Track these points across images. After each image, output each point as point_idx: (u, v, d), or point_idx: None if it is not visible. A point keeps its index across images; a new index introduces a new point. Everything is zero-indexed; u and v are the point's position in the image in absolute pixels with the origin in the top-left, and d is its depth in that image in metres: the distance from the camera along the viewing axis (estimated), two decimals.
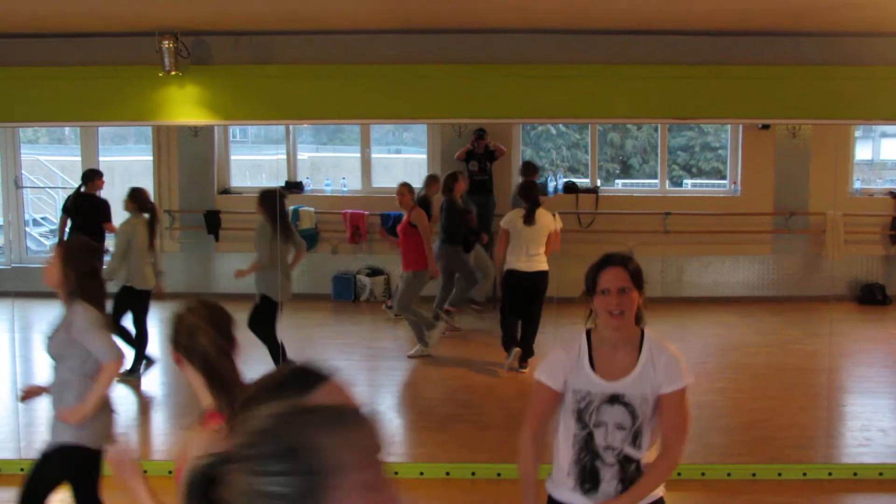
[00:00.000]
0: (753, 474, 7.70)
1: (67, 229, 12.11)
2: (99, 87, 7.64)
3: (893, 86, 7.54)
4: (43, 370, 11.10)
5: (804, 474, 7.71)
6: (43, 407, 9.50)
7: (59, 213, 12.22)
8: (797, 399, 9.89)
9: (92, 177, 12.09)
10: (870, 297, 13.27)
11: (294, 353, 10.56)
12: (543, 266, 10.43)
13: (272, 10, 6.80)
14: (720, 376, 10.68)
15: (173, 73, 7.44)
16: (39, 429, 8.96)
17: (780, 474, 7.70)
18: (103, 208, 11.92)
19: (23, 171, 15.05)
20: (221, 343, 3.36)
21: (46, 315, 12.85)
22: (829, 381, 10.44)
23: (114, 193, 15.28)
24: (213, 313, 3.46)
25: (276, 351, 9.58)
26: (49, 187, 16.47)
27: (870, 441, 8.58)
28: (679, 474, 7.65)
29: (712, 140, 16.98)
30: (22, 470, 7.77)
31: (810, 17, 6.79)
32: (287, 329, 11.27)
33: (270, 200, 9.84)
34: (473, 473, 7.72)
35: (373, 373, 10.90)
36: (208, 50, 7.63)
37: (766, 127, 13.94)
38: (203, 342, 3.34)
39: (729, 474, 7.70)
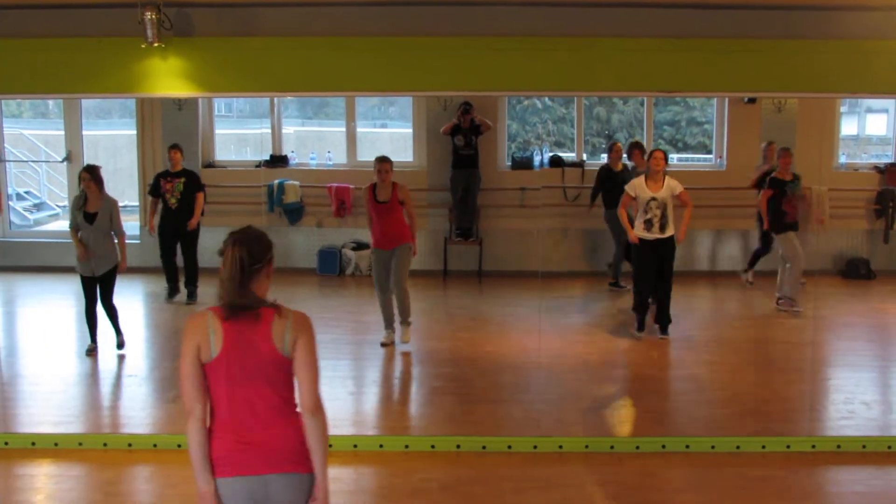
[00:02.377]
0: (738, 447, 7.73)
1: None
2: (81, 59, 7.57)
3: (879, 59, 7.53)
4: (27, 342, 11.14)
5: (788, 447, 7.74)
6: (28, 382, 9.55)
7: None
8: (781, 373, 9.93)
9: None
10: (854, 271, 13.32)
11: None
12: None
13: None
14: (705, 350, 10.74)
15: (156, 44, 7.37)
16: (24, 402, 8.99)
17: (763, 447, 7.74)
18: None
19: (6, 145, 14.98)
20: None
21: (31, 289, 12.93)
22: (814, 355, 10.51)
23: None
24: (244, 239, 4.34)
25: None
26: (32, 161, 16.42)
27: (853, 414, 8.62)
28: (664, 447, 7.72)
29: (698, 115, 17.01)
30: (7, 444, 7.82)
31: None
32: None
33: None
34: (458, 446, 7.74)
35: (359, 346, 10.90)
36: (191, 22, 7.56)
37: (752, 101, 13.97)
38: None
39: (713, 447, 7.73)
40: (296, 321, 4.28)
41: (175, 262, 12.30)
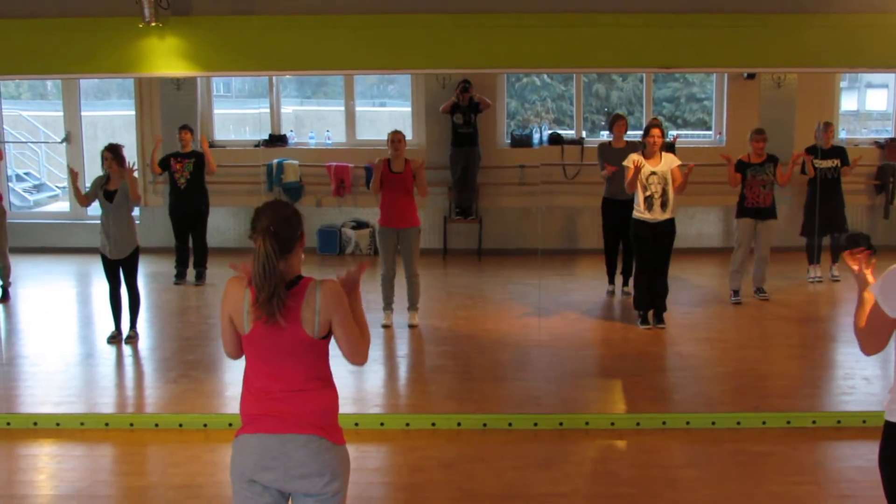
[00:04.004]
0: (738, 423, 7.74)
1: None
2: (79, 39, 7.57)
3: (879, 33, 7.51)
4: (27, 323, 11.15)
5: (788, 422, 7.76)
6: (29, 362, 9.56)
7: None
8: (781, 348, 9.95)
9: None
10: (854, 246, 13.26)
11: None
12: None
13: None
14: (705, 327, 10.75)
15: (153, 24, 7.38)
16: (25, 383, 9.00)
17: (764, 422, 7.75)
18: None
19: (5, 127, 14.94)
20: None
21: (31, 270, 12.91)
22: (814, 331, 10.53)
23: (96, 148, 15.23)
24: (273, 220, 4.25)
25: None
26: (32, 142, 16.38)
27: (853, 389, 8.63)
28: (664, 423, 7.73)
29: (697, 91, 16.95)
30: (9, 424, 7.84)
31: None
32: None
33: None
34: (459, 424, 7.75)
35: None
36: (188, 0, 7.56)
37: (751, 77, 13.92)
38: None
39: (713, 423, 7.74)
40: (324, 302, 4.27)
41: (188, 246, 12.33)
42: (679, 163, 10.33)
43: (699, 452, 7.32)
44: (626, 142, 11.56)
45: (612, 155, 11.32)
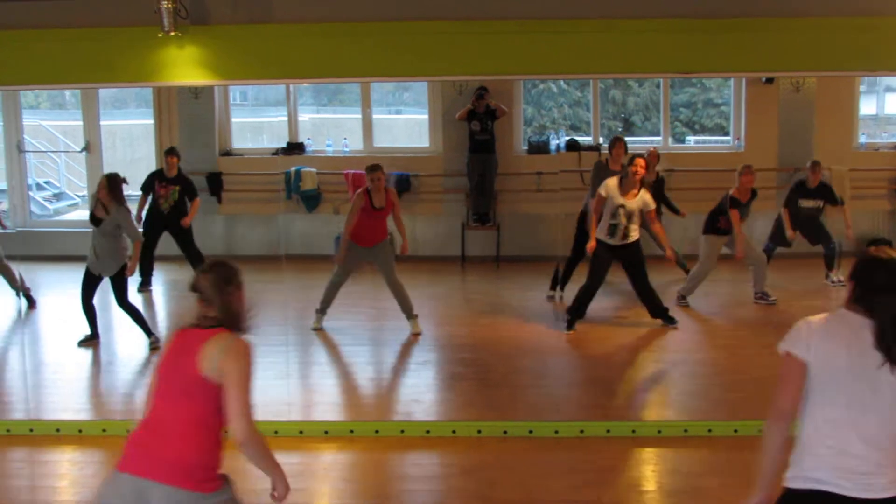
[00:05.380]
0: (760, 430, 7.66)
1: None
2: (98, 48, 7.58)
3: None
4: (48, 332, 11.18)
5: None
6: (51, 369, 9.58)
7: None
8: None
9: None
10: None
11: (298, 313, 10.59)
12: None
13: None
14: (725, 334, 10.69)
15: (172, 33, 7.38)
16: (46, 390, 9.03)
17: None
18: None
19: (25, 136, 15.04)
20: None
21: (51, 278, 12.96)
22: None
23: (115, 157, 15.34)
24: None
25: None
26: (51, 151, 16.48)
27: None
28: (686, 431, 7.69)
29: (715, 96, 16.93)
30: (31, 431, 7.85)
31: None
32: (291, 290, 11.30)
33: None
34: (479, 431, 7.72)
35: (377, 333, 10.91)
36: (207, 10, 7.56)
37: (769, 81, 13.88)
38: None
39: (736, 430, 7.69)
40: (228, 350, 4.28)
41: (153, 257, 12.33)
42: (652, 207, 10.22)
43: (722, 460, 7.26)
44: (623, 165, 11.45)
45: (606, 175, 11.19)
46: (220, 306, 4.39)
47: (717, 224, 11.28)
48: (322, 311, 10.51)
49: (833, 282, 11.87)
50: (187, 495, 4.23)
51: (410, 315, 10.36)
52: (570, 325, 10.39)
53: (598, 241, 10.27)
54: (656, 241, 10.65)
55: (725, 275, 12.44)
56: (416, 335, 10.30)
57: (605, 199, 10.13)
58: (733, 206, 11.13)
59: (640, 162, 10.07)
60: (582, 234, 11.38)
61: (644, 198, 10.13)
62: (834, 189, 11.86)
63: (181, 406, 4.29)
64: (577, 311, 10.43)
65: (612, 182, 10.18)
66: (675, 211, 12.26)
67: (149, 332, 10.07)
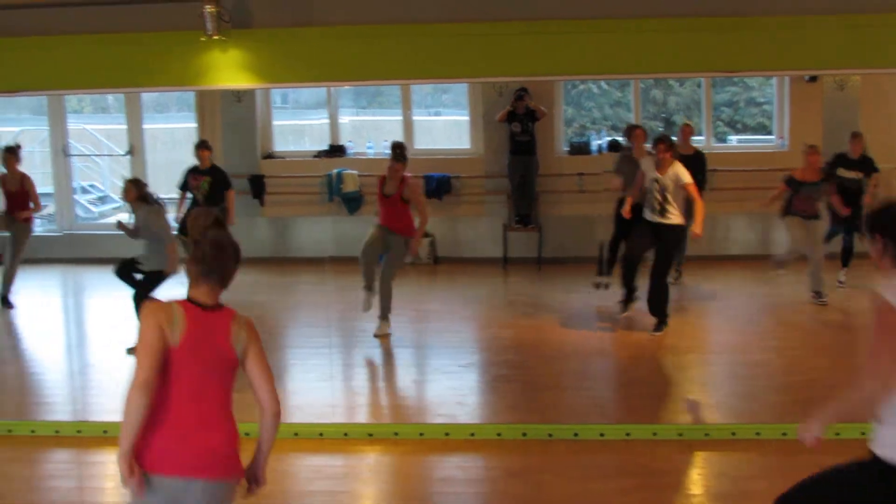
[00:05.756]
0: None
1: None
2: (143, 53, 7.63)
3: None
4: (95, 333, 11.27)
5: (862, 433, 7.58)
6: (98, 371, 9.66)
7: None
8: (852, 356, 9.76)
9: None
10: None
11: (341, 315, 10.58)
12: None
13: None
14: (773, 335, 10.56)
15: (216, 37, 7.42)
16: (93, 392, 9.10)
17: (837, 433, 7.57)
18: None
19: (70, 140, 15.18)
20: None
21: (96, 280, 13.06)
22: None
23: (158, 160, 15.44)
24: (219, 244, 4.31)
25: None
26: (95, 155, 16.62)
27: None
28: (733, 434, 7.61)
29: (757, 95, 16.81)
30: (79, 432, 7.90)
31: None
32: (333, 291, 11.32)
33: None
34: (525, 434, 7.69)
35: (420, 335, 10.90)
36: (249, 13, 7.60)
37: (813, 79, 13.75)
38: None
39: (784, 434, 7.57)
40: (249, 327, 4.31)
41: None
42: (686, 180, 10.15)
43: (770, 464, 7.17)
44: (647, 151, 11.37)
45: (629, 165, 11.19)
46: (227, 283, 4.32)
47: (790, 206, 11.25)
48: (369, 289, 10.32)
49: (840, 282, 11.80)
50: (224, 486, 4.25)
51: (384, 316, 10.20)
52: (624, 304, 10.76)
53: (640, 214, 10.47)
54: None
55: (769, 274, 12.33)
56: (377, 336, 10.16)
57: (645, 175, 10.34)
58: (787, 184, 11.20)
59: (661, 146, 10.21)
60: (620, 215, 11.33)
61: (676, 170, 10.16)
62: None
63: (219, 391, 4.24)
64: (628, 283, 10.74)
65: (649, 159, 10.48)
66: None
67: None
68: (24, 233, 11.90)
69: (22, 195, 11.88)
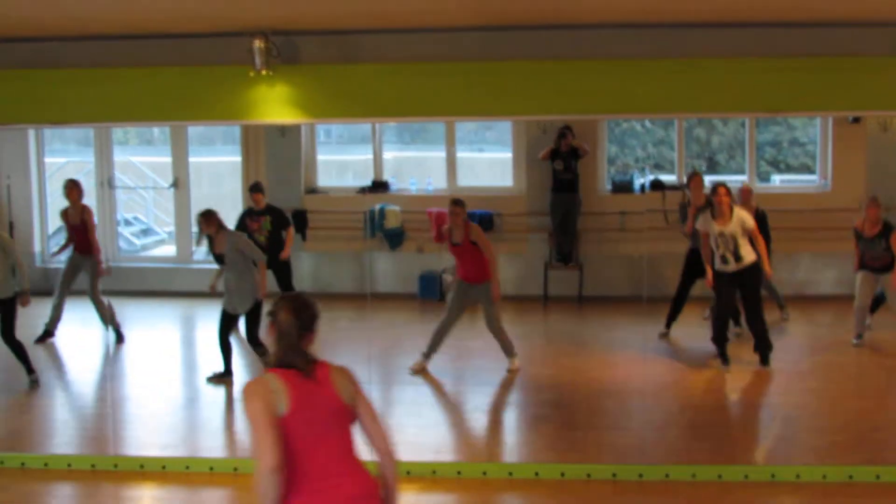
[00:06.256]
0: (850, 476, 7.51)
1: None
2: (192, 86, 7.74)
3: None
4: (133, 366, 11.36)
5: None
6: (134, 406, 9.71)
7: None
8: (894, 399, 9.66)
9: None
10: None
11: (380, 352, 10.59)
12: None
13: (358, 10, 6.84)
14: (814, 376, 10.44)
15: (264, 72, 7.51)
16: (132, 426, 9.15)
17: (878, 476, 7.51)
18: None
19: (115, 172, 15.34)
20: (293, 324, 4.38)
21: (139, 313, 13.16)
22: None
23: (202, 193, 15.57)
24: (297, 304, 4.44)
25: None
26: (140, 188, 16.78)
27: None
28: (773, 476, 7.55)
29: (800, 135, 16.72)
30: (116, 466, 7.95)
31: None
32: (375, 329, 11.34)
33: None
34: (563, 474, 7.65)
35: (461, 372, 10.90)
36: (297, 49, 7.68)
37: (856, 120, 13.70)
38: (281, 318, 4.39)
39: (824, 476, 7.52)
40: (349, 375, 4.45)
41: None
42: (752, 224, 10.21)
43: None
44: (705, 196, 11.31)
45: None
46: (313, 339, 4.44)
47: (862, 260, 11.06)
48: (427, 356, 10.42)
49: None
50: None
51: (509, 353, 10.34)
52: (723, 358, 10.50)
53: (717, 273, 10.40)
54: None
55: (813, 316, 12.25)
56: (511, 371, 10.26)
57: (708, 234, 10.31)
58: (856, 237, 11.03)
59: (722, 190, 10.19)
60: (688, 270, 11.51)
61: (740, 216, 10.18)
62: None
63: (342, 441, 4.32)
64: (719, 341, 10.53)
65: (705, 216, 10.37)
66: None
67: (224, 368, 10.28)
68: (95, 267, 12.03)
69: (83, 228, 12.02)
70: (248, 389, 4.26)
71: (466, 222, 10.17)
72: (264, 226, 12.02)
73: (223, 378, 10.23)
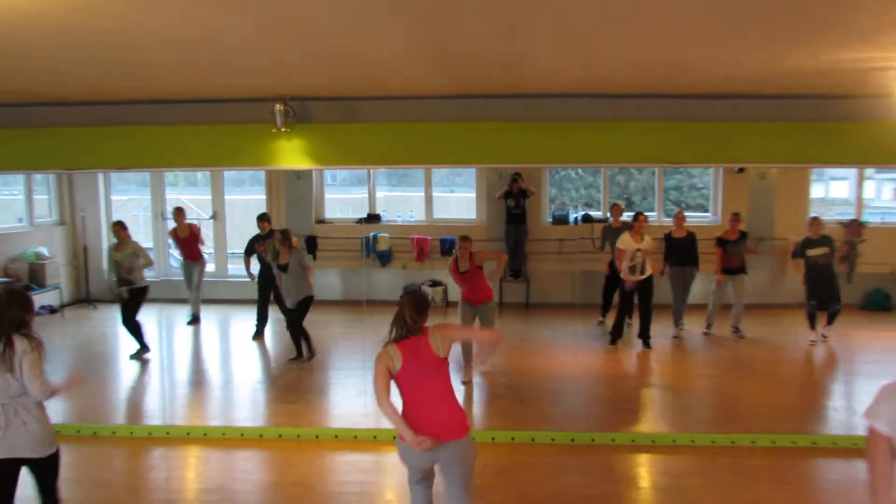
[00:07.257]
0: (732, 441, 7.58)
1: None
2: (228, 140, 7.73)
3: (844, 137, 7.44)
4: (183, 356, 11.29)
5: (773, 442, 7.57)
6: (182, 386, 9.63)
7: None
8: (771, 384, 9.72)
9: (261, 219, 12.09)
10: (823, 309, 12.78)
11: (373, 346, 10.56)
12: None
13: (358, 82, 6.86)
14: (708, 364, 10.54)
15: (283, 129, 7.52)
16: (179, 402, 9.05)
17: (753, 442, 7.58)
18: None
19: (167, 207, 15.28)
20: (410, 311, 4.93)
21: (183, 316, 13.06)
22: (794, 369, 10.24)
23: (235, 224, 15.52)
24: (415, 297, 4.99)
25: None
26: (187, 220, 16.67)
27: (828, 417, 8.42)
28: (674, 441, 7.60)
29: (697, 181, 16.86)
30: (168, 434, 7.88)
31: (780, 82, 6.73)
32: (368, 327, 11.33)
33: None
34: (513, 438, 7.66)
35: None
36: (309, 111, 7.69)
37: (741, 170, 13.84)
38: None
39: (713, 441, 7.59)
40: (440, 328, 4.97)
41: (267, 309, 11.89)
42: (654, 245, 11.14)
43: (703, 465, 7.17)
44: (622, 221, 11.91)
45: (610, 233, 12.20)
46: (425, 319, 4.98)
47: (726, 266, 11.74)
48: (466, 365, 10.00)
49: (824, 336, 11.40)
50: (464, 440, 4.87)
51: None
52: (613, 342, 11.15)
53: (623, 281, 11.06)
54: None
55: (699, 318, 12.32)
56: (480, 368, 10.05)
57: (625, 251, 10.86)
58: (718, 243, 11.87)
59: (642, 217, 10.98)
60: (610, 278, 12.17)
61: (648, 240, 11.00)
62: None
63: (441, 381, 4.90)
64: (616, 332, 11.20)
65: (625, 237, 10.95)
66: (694, 263, 12.05)
67: (307, 350, 10.50)
68: (202, 267, 13.01)
69: (192, 240, 12.80)
70: (377, 356, 4.86)
71: (472, 253, 9.66)
72: (269, 247, 11.94)
73: (297, 360, 10.47)
